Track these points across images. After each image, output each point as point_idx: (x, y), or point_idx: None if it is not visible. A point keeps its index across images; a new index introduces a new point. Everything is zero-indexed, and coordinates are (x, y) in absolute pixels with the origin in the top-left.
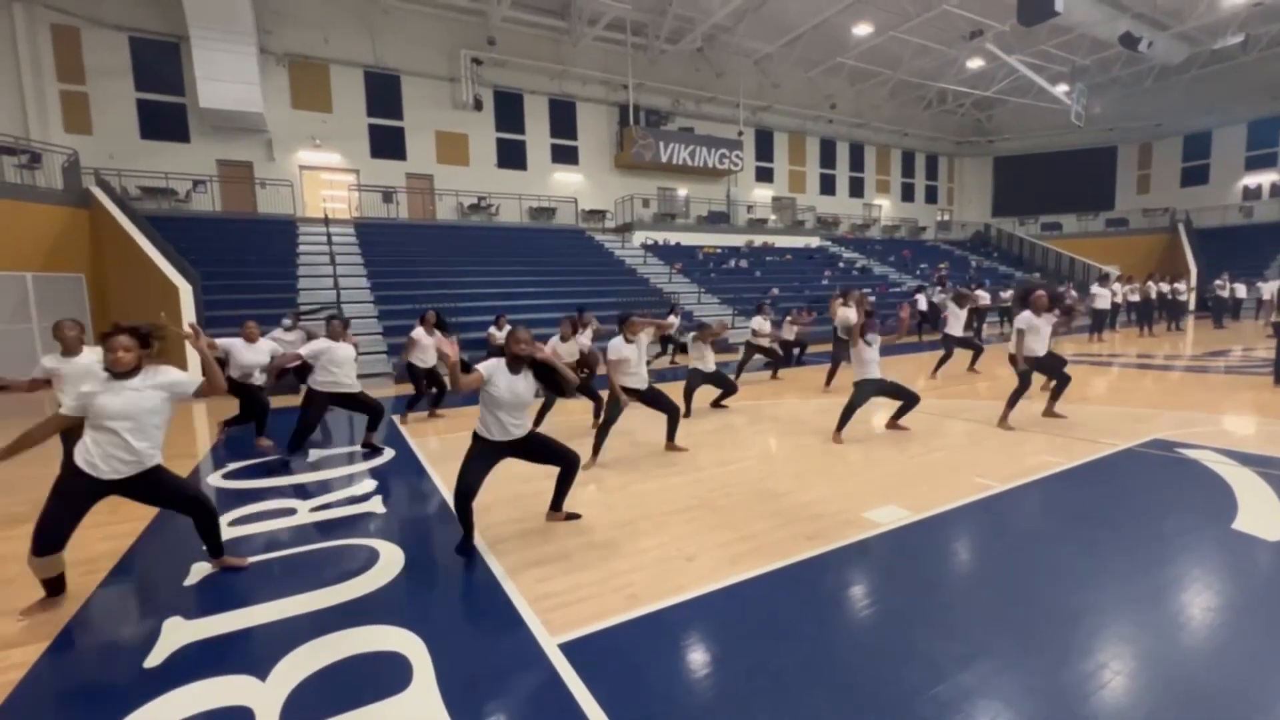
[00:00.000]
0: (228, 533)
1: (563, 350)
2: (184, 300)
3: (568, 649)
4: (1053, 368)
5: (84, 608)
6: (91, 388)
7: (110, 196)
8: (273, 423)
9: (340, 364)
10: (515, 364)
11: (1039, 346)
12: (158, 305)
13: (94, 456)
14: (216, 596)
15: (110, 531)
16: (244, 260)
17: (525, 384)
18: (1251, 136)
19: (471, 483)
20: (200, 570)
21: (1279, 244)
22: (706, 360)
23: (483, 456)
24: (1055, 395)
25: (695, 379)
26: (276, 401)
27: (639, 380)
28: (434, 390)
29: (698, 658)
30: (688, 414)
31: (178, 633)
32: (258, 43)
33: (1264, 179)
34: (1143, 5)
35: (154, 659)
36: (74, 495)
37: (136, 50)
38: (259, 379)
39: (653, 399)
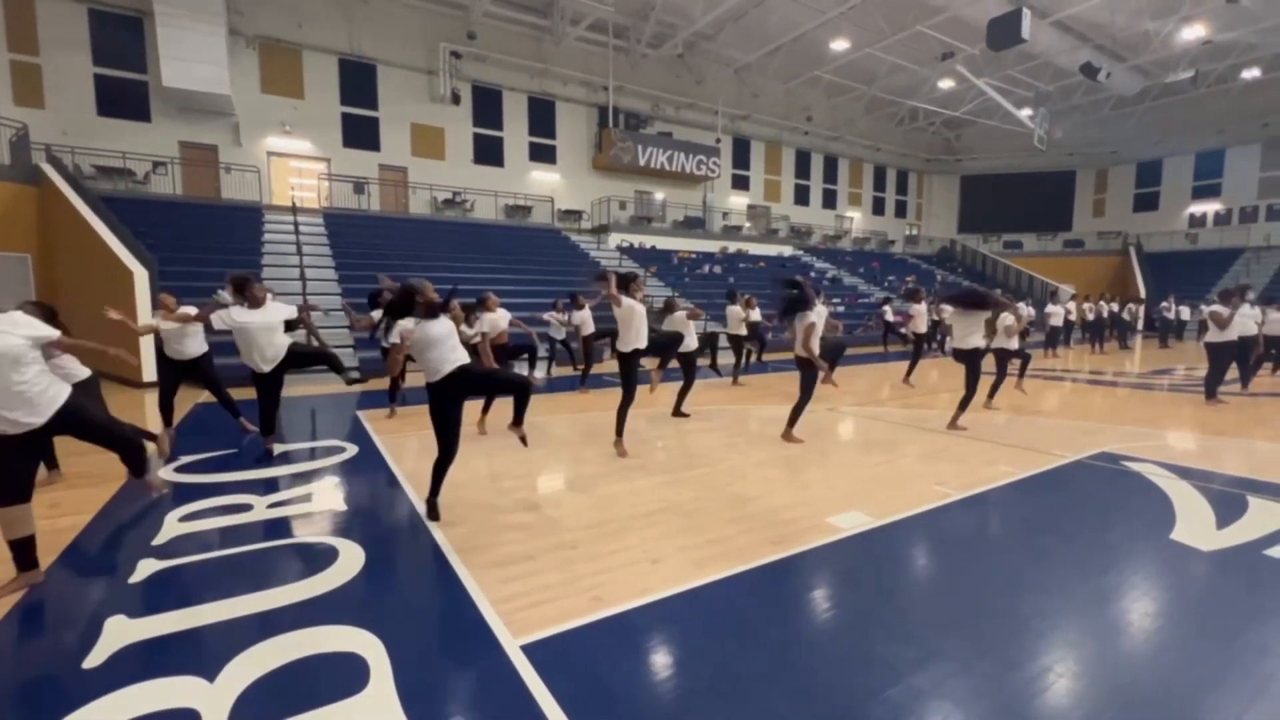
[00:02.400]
0: (177, 529)
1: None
2: (138, 285)
3: (530, 650)
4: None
5: (19, 605)
6: None
7: (62, 174)
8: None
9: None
10: (427, 312)
11: (961, 340)
12: (109, 288)
13: None
14: (164, 595)
15: (51, 525)
16: (205, 246)
17: (439, 326)
18: (1198, 167)
19: (452, 440)
20: (147, 567)
21: (1221, 270)
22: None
23: (442, 406)
24: (986, 395)
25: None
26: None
27: (640, 339)
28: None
29: (661, 660)
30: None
31: (121, 632)
32: (227, 23)
33: (1208, 208)
34: (1103, 37)
35: (94, 659)
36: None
37: (95, 23)
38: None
39: (627, 365)
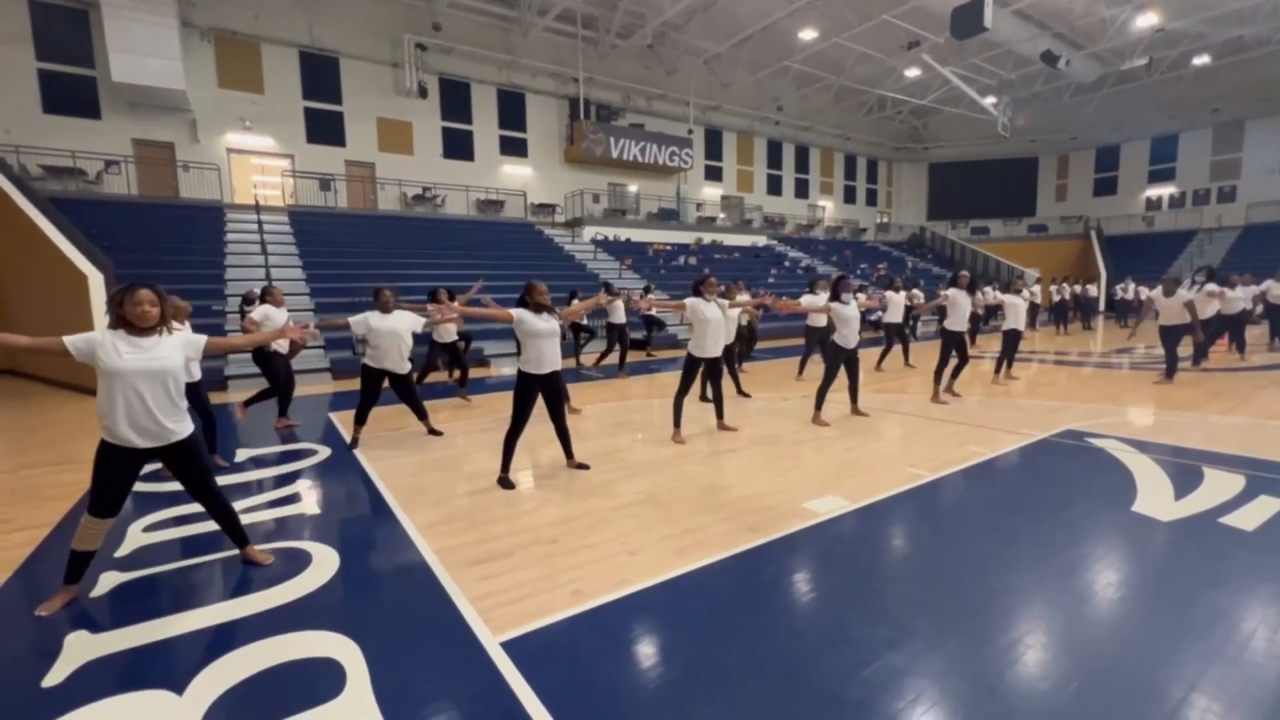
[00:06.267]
0: (141, 539)
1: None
2: (93, 289)
3: (510, 647)
4: (962, 346)
5: None
6: (106, 344)
7: (6, 175)
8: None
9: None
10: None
11: (957, 323)
12: (61, 294)
13: (120, 425)
14: (128, 608)
15: (5, 541)
16: (164, 248)
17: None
18: (1154, 152)
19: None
20: (110, 580)
21: (1176, 251)
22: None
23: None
24: (954, 374)
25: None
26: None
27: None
28: (458, 371)
29: (641, 651)
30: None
31: (82, 648)
32: (179, 15)
33: (1164, 191)
34: (1061, 25)
35: (54, 677)
36: (116, 467)
37: (37, 16)
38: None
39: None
